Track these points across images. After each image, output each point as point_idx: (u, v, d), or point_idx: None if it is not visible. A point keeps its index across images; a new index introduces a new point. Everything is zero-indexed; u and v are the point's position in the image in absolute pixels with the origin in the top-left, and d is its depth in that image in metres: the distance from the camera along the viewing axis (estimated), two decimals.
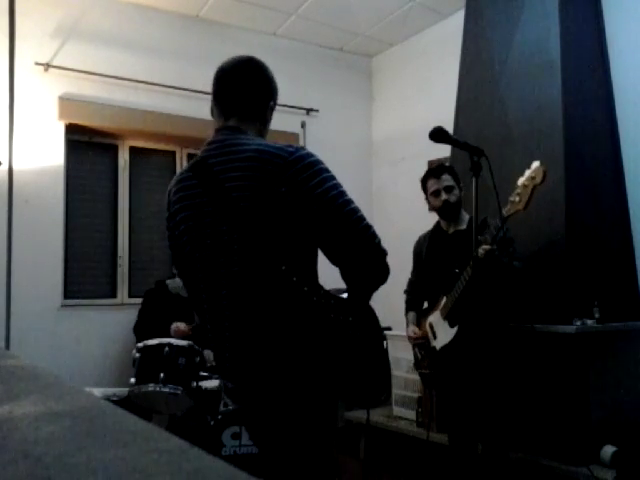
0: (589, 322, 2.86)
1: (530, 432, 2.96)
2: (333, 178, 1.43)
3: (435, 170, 2.82)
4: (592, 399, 2.85)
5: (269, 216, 1.38)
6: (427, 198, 2.85)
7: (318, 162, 1.43)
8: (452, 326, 2.65)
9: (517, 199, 2.34)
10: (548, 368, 2.91)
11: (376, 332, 1.51)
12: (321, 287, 1.43)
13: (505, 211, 2.40)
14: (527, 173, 2.36)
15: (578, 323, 2.83)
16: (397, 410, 3.97)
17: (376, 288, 1.50)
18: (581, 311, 2.91)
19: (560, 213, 3.03)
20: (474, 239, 2.16)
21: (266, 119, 1.62)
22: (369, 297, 1.52)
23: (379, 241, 1.43)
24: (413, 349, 2.97)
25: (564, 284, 2.99)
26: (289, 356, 1.37)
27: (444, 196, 2.74)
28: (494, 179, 2.15)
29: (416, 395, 3.74)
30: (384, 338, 1.54)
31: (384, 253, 1.44)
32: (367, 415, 1.95)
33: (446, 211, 2.78)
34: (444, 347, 2.70)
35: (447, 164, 3.12)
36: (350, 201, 1.41)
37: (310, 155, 1.44)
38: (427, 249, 2.93)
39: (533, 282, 3.05)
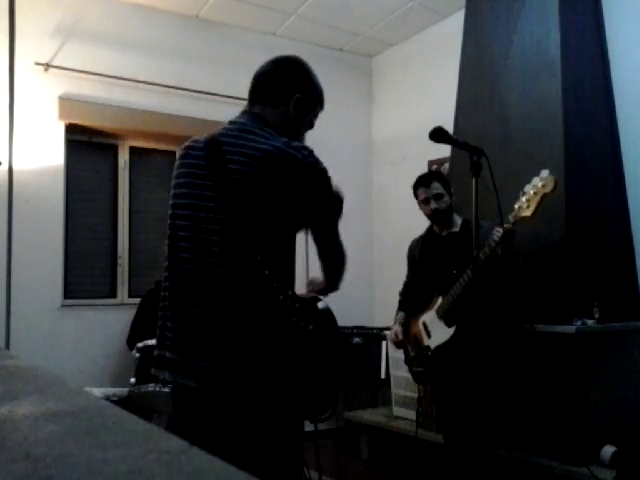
0: (589, 322, 2.85)
1: (530, 432, 2.96)
2: (331, 192, 1.54)
3: (424, 179, 2.87)
4: (592, 399, 2.85)
5: (261, 207, 1.40)
6: (419, 205, 2.91)
7: (325, 171, 1.51)
8: (449, 326, 2.67)
9: (525, 205, 2.34)
10: (548, 368, 2.91)
11: (334, 345, 1.52)
12: (291, 288, 1.46)
13: (512, 217, 2.40)
14: (535, 180, 2.36)
15: (578, 323, 2.83)
16: (397, 410, 3.97)
17: (340, 274, 1.63)
18: (581, 311, 2.90)
19: (560, 213, 3.03)
20: (474, 240, 2.16)
21: (289, 111, 1.59)
22: (337, 285, 1.64)
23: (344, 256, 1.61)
24: (403, 346, 3.00)
25: (564, 284, 2.99)
26: (246, 346, 1.39)
27: (433, 204, 2.80)
28: (494, 179, 2.15)
29: (416, 395, 3.73)
30: (341, 351, 1.55)
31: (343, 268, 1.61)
32: (315, 429, 1.99)
33: (436, 218, 2.84)
34: (439, 346, 2.72)
35: (436, 169, 3.13)
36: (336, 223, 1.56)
37: (319, 163, 1.50)
38: (420, 252, 2.96)
39: (533, 282, 3.05)
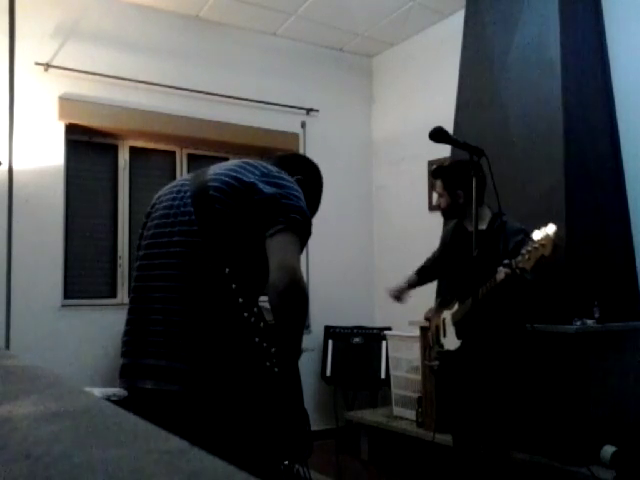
0: (589, 322, 2.85)
1: (530, 432, 2.96)
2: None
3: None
4: (592, 399, 2.85)
5: (234, 219, 1.41)
6: None
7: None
8: (458, 337, 2.67)
9: (526, 257, 2.30)
10: (548, 368, 2.91)
11: (294, 375, 1.44)
12: (258, 305, 1.39)
13: (514, 262, 2.36)
14: (537, 234, 2.30)
15: (578, 323, 2.83)
16: (397, 410, 3.97)
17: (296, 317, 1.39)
18: (581, 311, 2.90)
19: (560, 213, 3.03)
20: (474, 241, 2.15)
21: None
22: (295, 329, 1.41)
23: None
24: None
25: (564, 284, 2.99)
26: (204, 347, 1.35)
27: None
28: (494, 179, 2.15)
29: (416, 395, 3.74)
30: (300, 385, 1.47)
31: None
32: (286, 468, 1.56)
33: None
34: (448, 351, 2.72)
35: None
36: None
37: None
38: (450, 241, 2.87)
39: (533, 282, 3.04)
